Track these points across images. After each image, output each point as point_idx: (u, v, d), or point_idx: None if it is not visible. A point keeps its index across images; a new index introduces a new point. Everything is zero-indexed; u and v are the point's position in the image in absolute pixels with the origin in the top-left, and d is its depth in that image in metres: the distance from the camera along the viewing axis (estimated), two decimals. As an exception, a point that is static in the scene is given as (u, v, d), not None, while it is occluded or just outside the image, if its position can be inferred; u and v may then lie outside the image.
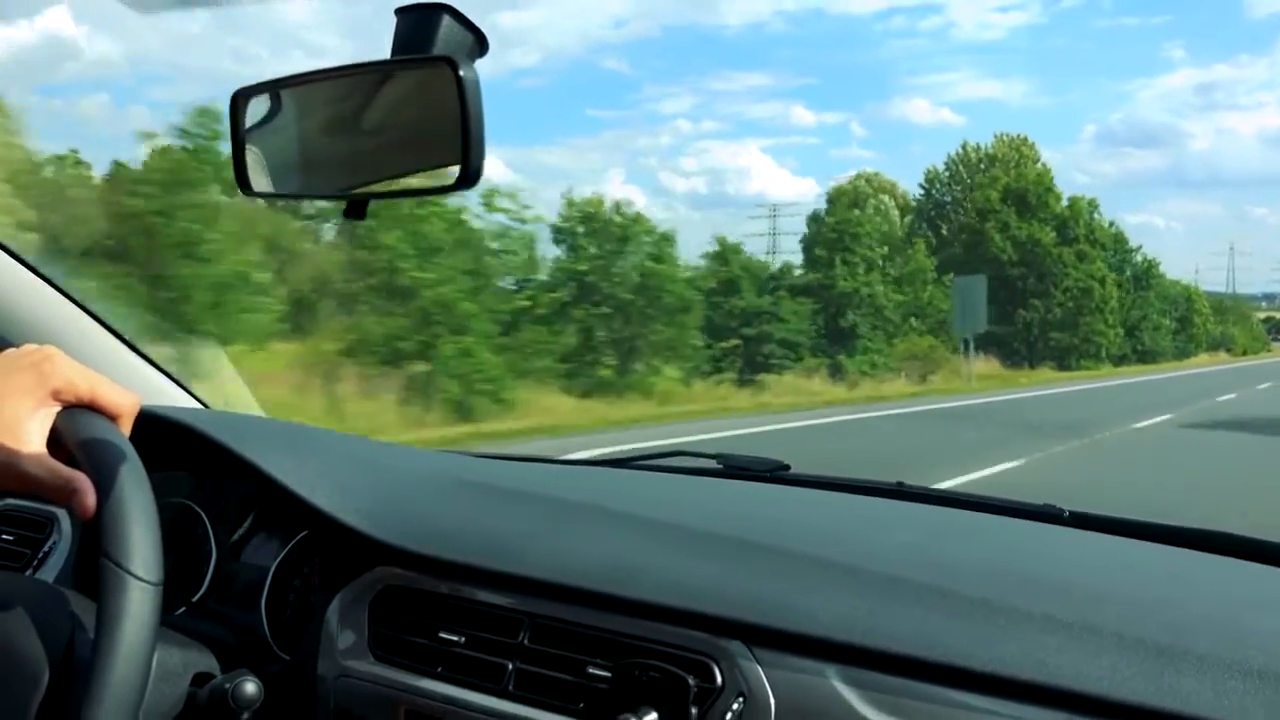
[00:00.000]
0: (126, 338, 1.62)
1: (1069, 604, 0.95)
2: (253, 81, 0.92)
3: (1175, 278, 54.80)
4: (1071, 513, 1.31)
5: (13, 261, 1.50)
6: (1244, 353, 62.48)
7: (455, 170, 0.78)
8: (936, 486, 1.52)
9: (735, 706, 0.95)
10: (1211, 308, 62.34)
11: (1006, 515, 1.34)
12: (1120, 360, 40.60)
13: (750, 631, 0.98)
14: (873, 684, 0.92)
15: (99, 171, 13.38)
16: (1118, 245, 44.06)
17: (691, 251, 28.31)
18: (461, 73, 0.75)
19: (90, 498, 0.84)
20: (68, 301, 1.56)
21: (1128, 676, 0.84)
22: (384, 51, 0.79)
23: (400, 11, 0.78)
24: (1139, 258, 46.56)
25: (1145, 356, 43.61)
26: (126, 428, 0.91)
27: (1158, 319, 46.41)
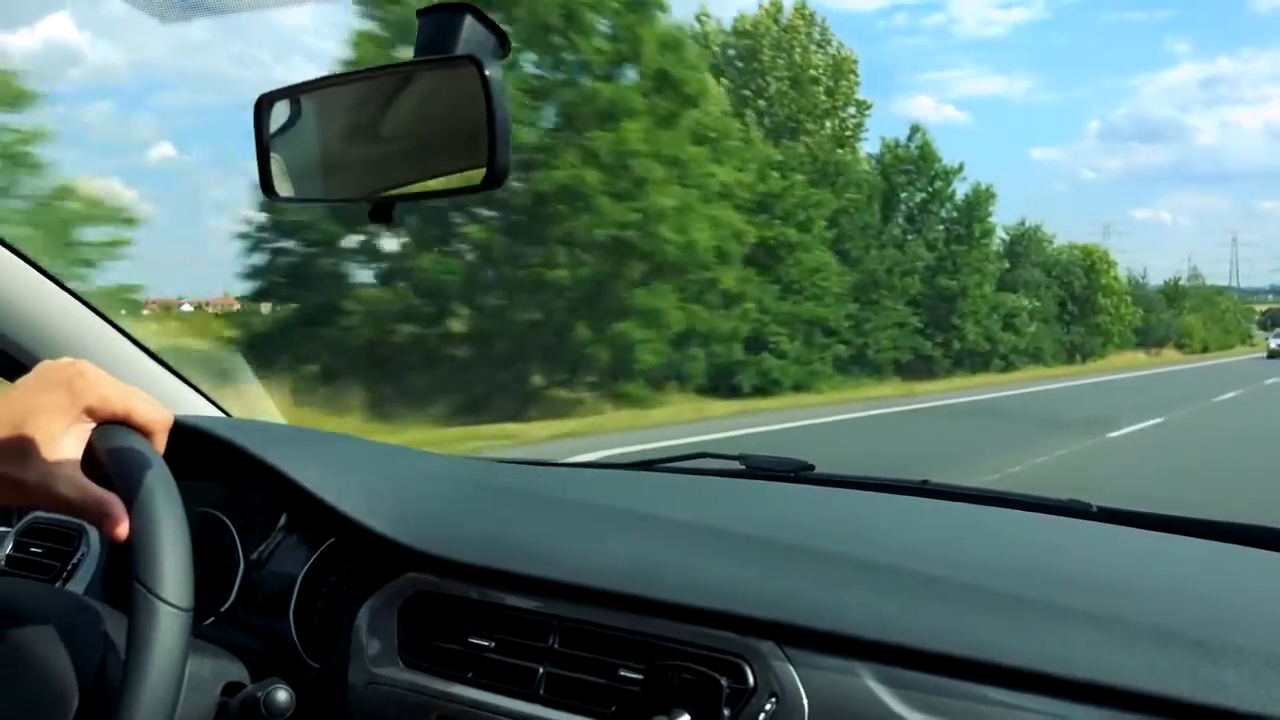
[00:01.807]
0: (148, 347, 1.63)
1: (1101, 598, 0.94)
2: (265, 87, 0.92)
3: (1079, 240, 37.35)
4: (1100, 507, 1.30)
5: (35, 273, 1.50)
6: (1204, 349, 47.28)
7: (481, 171, 0.77)
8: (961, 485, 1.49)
9: (768, 707, 0.94)
10: (1165, 294, 47.50)
11: (1034, 511, 1.33)
12: (917, 369, 23.03)
13: (782, 631, 0.97)
14: (906, 682, 0.91)
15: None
16: (923, 162, 26.77)
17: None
18: (487, 72, 0.75)
19: (122, 521, 0.84)
20: (90, 312, 1.56)
21: (1164, 670, 0.83)
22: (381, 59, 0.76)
23: (423, 13, 0.78)
24: (958, 188, 27.27)
25: (975, 360, 25.99)
26: (160, 444, 0.90)
27: (997, 297, 27.94)
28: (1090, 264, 36.62)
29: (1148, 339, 42.94)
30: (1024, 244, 32.33)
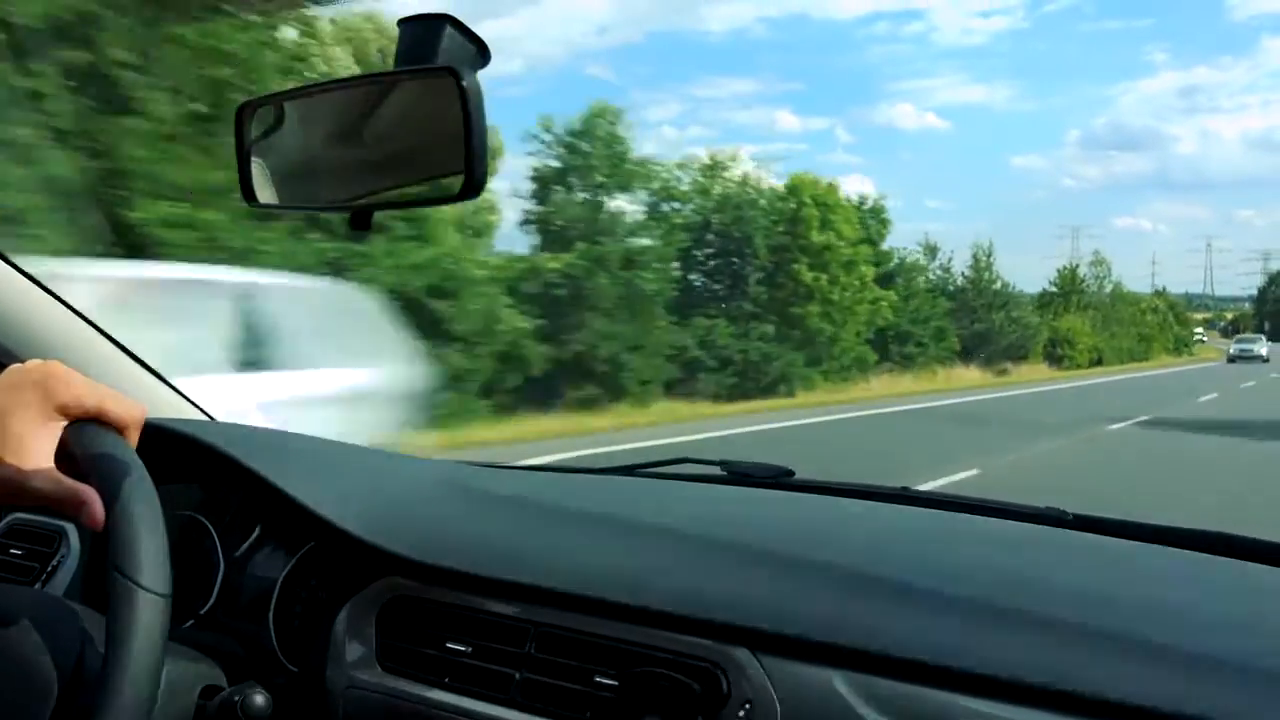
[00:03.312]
0: (130, 349, 1.62)
1: (1073, 607, 0.95)
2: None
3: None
4: (1075, 515, 1.31)
5: (14, 273, 1.50)
6: (1096, 361, 35.12)
7: (459, 180, 0.78)
8: (941, 491, 1.51)
9: (741, 714, 0.95)
10: (1059, 287, 34.76)
11: (1010, 519, 1.34)
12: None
13: (756, 638, 0.98)
14: (879, 689, 0.92)
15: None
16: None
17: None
18: (464, 83, 0.76)
19: (99, 510, 0.85)
20: (71, 314, 1.56)
21: (1132, 679, 0.84)
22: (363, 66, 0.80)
23: (403, 23, 0.78)
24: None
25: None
26: (134, 438, 0.92)
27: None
28: (793, 211, 18.96)
29: (990, 348, 27.92)
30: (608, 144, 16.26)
